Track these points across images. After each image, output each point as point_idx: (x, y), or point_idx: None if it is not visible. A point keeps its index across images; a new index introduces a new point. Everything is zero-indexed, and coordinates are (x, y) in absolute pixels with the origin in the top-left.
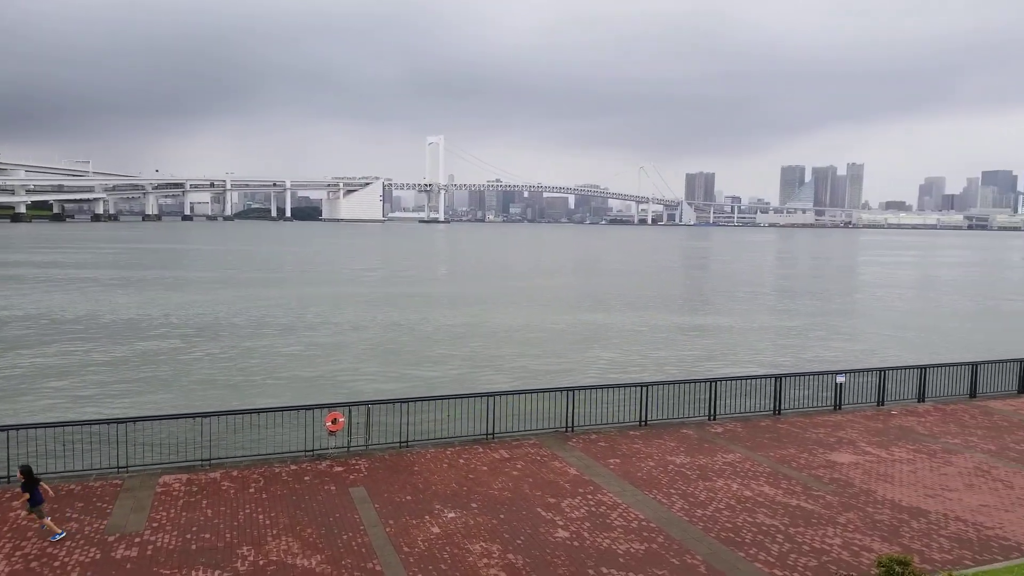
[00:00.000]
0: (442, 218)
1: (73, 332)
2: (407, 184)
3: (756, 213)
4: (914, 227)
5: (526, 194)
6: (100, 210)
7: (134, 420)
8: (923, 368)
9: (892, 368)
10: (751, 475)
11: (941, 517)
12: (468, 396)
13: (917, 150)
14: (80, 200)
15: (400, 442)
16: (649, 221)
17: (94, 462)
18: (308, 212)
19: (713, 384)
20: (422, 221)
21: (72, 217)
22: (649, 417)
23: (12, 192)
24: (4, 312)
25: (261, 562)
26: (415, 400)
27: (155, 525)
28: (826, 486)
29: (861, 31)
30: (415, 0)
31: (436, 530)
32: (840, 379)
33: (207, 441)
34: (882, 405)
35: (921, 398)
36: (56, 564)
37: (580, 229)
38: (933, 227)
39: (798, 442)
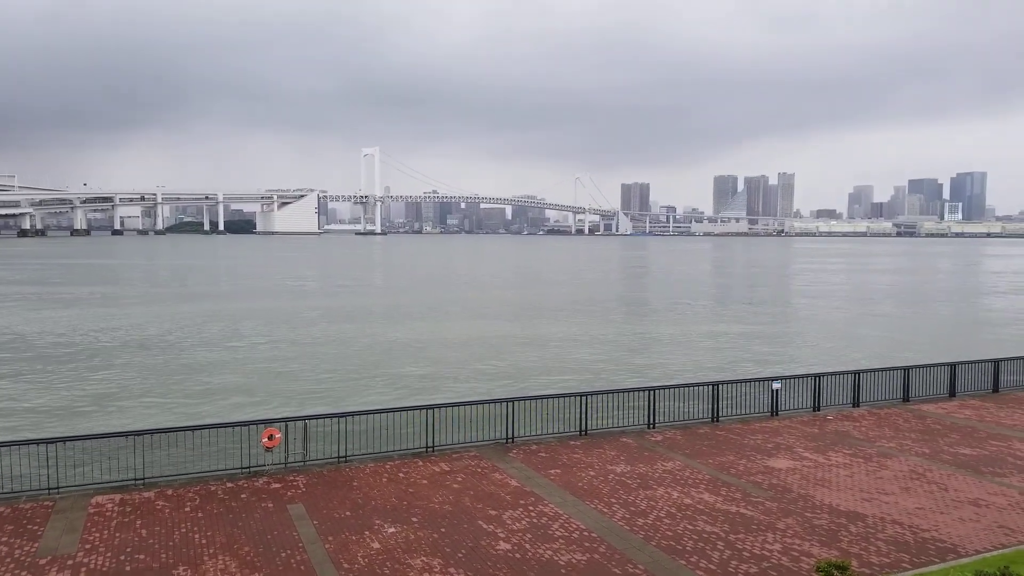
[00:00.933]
0: (379, 230)
1: None
2: (343, 196)
3: (691, 222)
4: (845, 235)
5: (463, 205)
6: (27, 225)
7: (64, 440)
8: (857, 373)
9: (827, 374)
10: (691, 483)
11: (878, 521)
12: (407, 409)
13: (845, 159)
14: (5, 215)
15: (338, 457)
16: (586, 231)
17: (24, 483)
18: (242, 225)
19: (652, 392)
20: (359, 233)
21: None
22: (589, 426)
23: None
24: None
25: None
26: (353, 414)
27: (88, 547)
28: (765, 492)
29: (792, 43)
30: (348, 12)
31: (376, 546)
32: (776, 385)
33: (140, 460)
34: (818, 411)
35: (856, 403)
36: None
37: (518, 240)
38: (863, 234)
39: (736, 449)
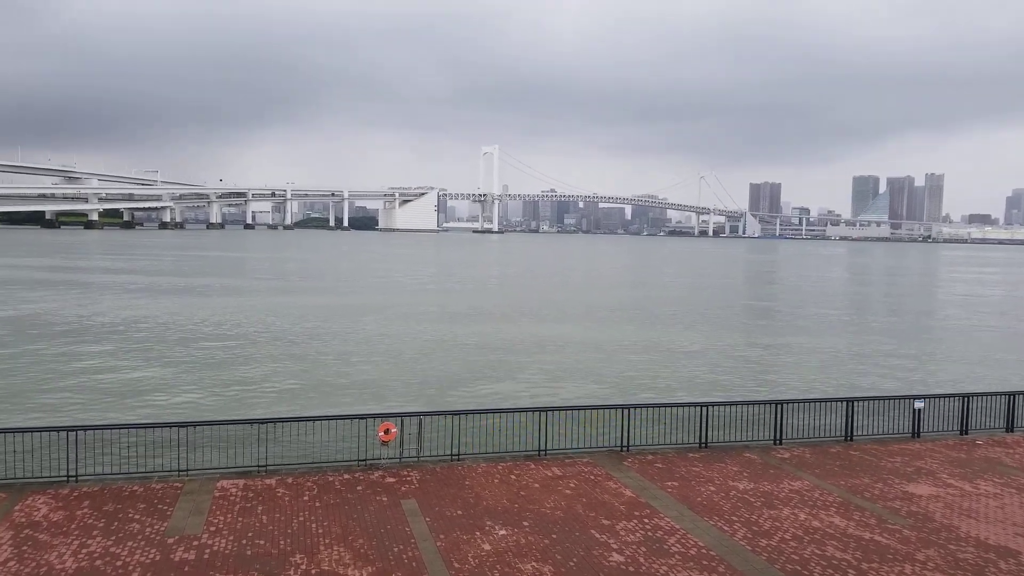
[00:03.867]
0: (496, 228)
1: (138, 336)
2: (461, 194)
3: (826, 225)
4: (1001, 242)
5: (581, 204)
6: (167, 218)
7: (194, 424)
8: (1012, 395)
9: (977, 394)
10: (820, 504)
11: None
12: (521, 410)
13: (1003, 160)
14: (149, 208)
15: (452, 455)
16: (710, 233)
17: (156, 464)
18: (365, 222)
19: (779, 406)
20: (476, 231)
21: (141, 224)
22: (710, 439)
23: (85, 200)
24: (76, 316)
25: (313, 571)
26: (467, 413)
27: (212, 529)
28: (903, 519)
29: (941, 32)
30: (461, 10)
31: (487, 547)
32: (919, 405)
33: (264, 447)
34: (965, 434)
35: (1010, 428)
36: (119, 563)
37: (637, 240)
38: (1022, 243)
39: (872, 471)
